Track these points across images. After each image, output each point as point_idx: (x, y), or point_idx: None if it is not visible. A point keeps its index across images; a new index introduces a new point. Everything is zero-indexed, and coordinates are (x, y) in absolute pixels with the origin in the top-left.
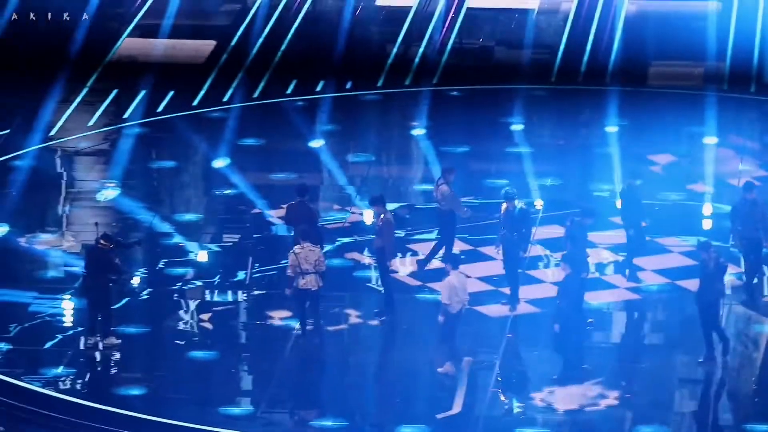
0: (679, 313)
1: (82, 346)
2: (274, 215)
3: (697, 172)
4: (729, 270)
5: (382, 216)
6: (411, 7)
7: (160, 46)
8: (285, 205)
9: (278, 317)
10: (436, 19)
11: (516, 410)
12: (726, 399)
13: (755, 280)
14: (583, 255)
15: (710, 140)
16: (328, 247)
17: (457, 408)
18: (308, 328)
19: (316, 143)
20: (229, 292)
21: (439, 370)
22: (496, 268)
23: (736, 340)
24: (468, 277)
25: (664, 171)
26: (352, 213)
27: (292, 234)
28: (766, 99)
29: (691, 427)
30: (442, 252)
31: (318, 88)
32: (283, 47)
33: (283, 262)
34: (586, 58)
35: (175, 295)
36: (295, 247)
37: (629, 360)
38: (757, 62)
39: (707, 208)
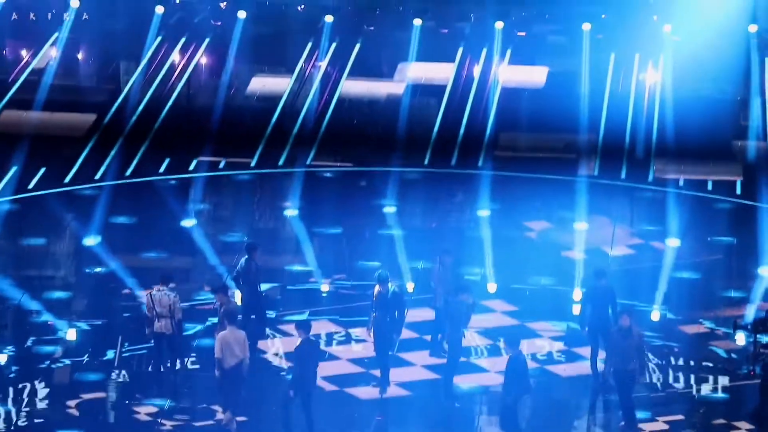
0: (547, 399)
1: None
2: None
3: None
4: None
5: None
6: (284, 91)
7: (35, 118)
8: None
9: (146, 405)
10: (308, 105)
11: None
12: None
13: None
14: (459, 335)
15: (581, 225)
16: (198, 327)
17: None
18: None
19: (188, 222)
20: (98, 372)
21: (219, 416)
22: (367, 350)
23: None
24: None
25: (539, 237)
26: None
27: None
28: (636, 186)
29: None
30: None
31: (191, 167)
32: (156, 125)
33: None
34: (459, 141)
35: (43, 373)
36: (153, 288)
37: None
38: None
39: (576, 293)
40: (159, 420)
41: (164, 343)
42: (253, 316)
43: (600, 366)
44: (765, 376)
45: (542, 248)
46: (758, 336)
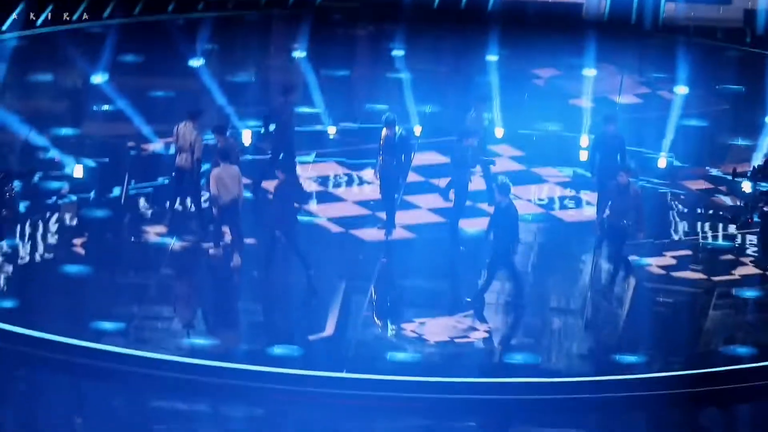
0: (552, 243)
1: None
2: None
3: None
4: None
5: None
6: None
7: None
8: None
9: (153, 233)
10: None
11: (389, 334)
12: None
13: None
14: (466, 180)
15: (589, 72)
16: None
17: (330, 330)
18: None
19: (196, 62)
20: (105, 208)
21: (211, 251)
22: (373, 192)
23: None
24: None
25: (547, 84)
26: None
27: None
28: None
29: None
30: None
31: (199, 7)
32: None
33: (160, 179)
34: None
35: (50, 209)
36: (182, 123)
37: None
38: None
39: (584, 140)
40: (169, 245)
41: (184, 176)
42: (281, 157)
43: (606, 212)
44: (764, 224)
45: (550, 95)
46: (758, 184)
